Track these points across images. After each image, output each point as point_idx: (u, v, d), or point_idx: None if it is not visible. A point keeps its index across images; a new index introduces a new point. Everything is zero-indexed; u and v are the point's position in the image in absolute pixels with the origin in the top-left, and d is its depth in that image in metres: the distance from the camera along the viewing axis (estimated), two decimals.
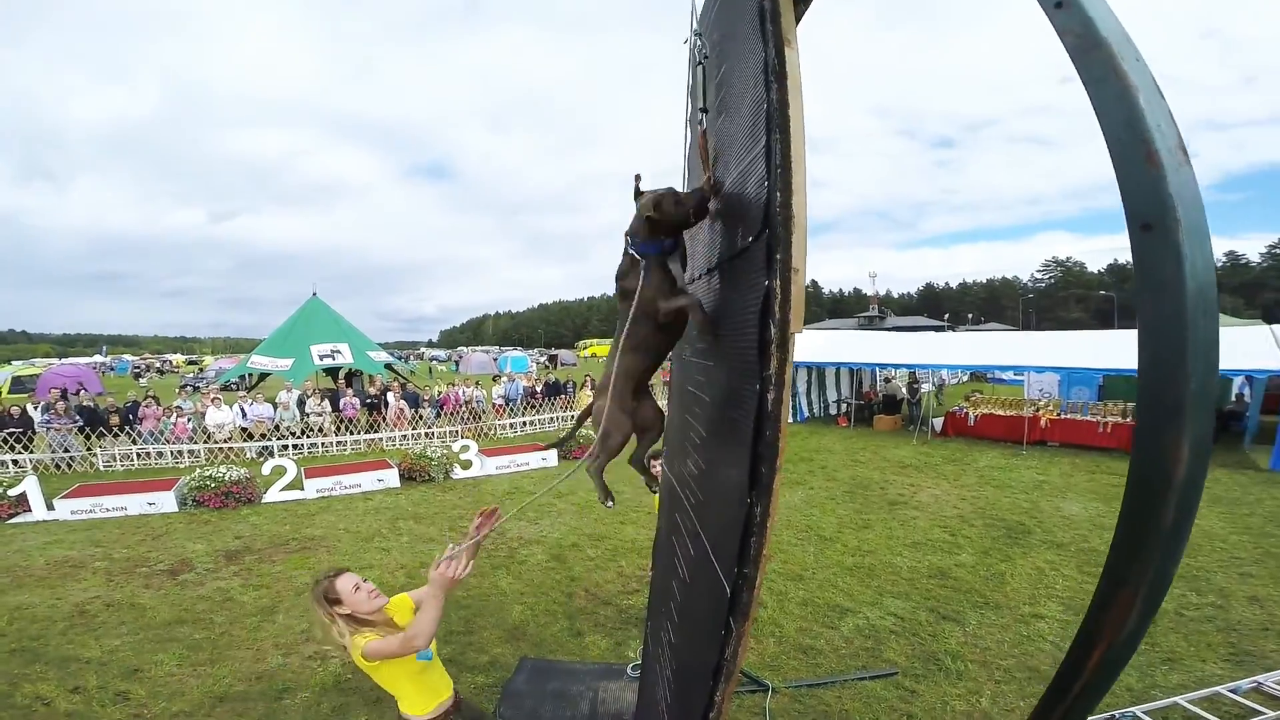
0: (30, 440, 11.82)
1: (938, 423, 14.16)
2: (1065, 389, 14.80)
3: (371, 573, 6.28)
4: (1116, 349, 11.73)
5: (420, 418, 14.53)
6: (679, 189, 2.19)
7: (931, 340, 17.68)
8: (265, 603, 5.66)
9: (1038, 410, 12.76)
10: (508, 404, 16.38)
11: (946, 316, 65.37)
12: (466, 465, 10.95)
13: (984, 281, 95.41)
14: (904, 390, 16.45)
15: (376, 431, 13.95)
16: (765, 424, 1.53)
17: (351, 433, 13.74)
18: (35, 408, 13.28)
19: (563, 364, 46.06)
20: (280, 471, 9.65)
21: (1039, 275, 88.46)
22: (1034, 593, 5.57)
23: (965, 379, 26.00)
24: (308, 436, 13.35)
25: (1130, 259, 0.80)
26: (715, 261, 2.23)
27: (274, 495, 9.31)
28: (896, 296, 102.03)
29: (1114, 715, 3.64)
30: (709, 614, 1.89)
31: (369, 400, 14.82)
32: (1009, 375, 21.81)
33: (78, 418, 12.20)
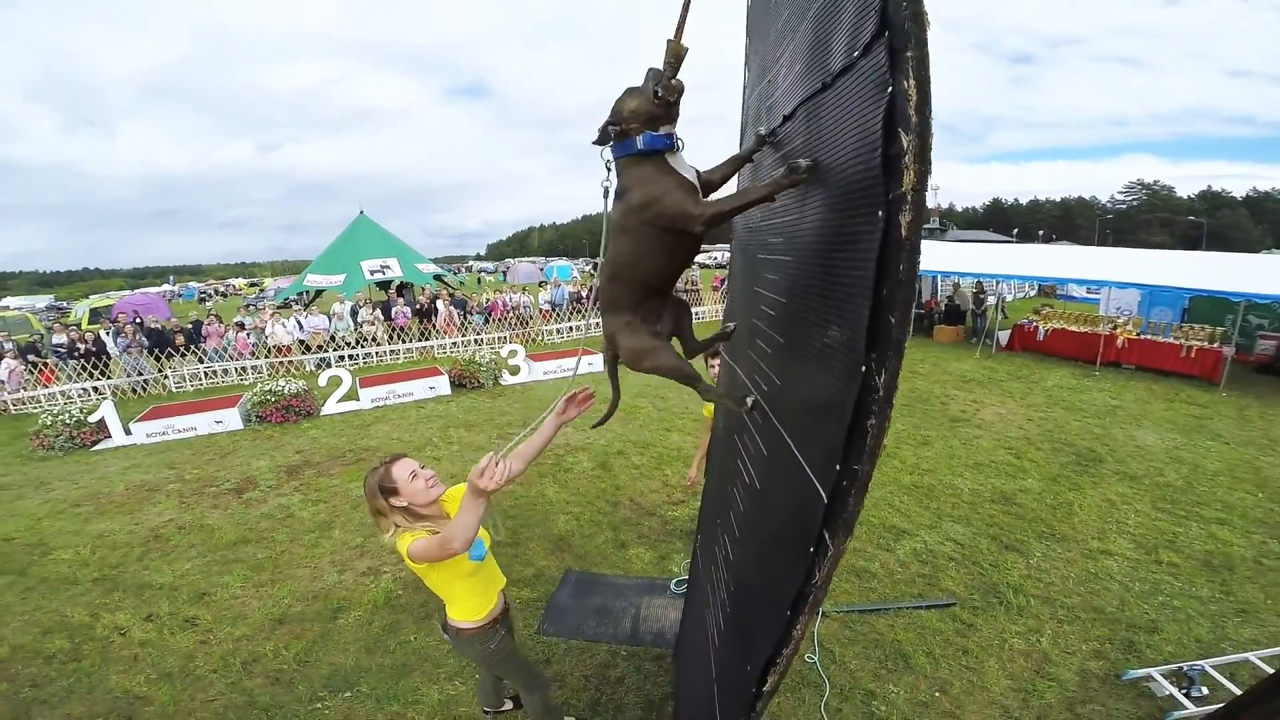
0: (107, 366, 12.32)
1: (1003, 336, 13.39)
2: (1146, 309, 13.69)
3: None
4: (1206, 269, 10.68)
5: (469, 324, 14.65)
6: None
7: (999, 250, 16.54)
8: (323, 518, 5.85)
9: (1115, 328, 11.85)
10: (554, 309, 16.33)
11: (1015, 233, 61.37)
12: (515, 371, 11.01)
13: (1058, 200, 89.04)
14: (970, 301, 15.61)
15: (427, 339, 14.13)
16: (898, 255, 1.14)
17: (403, 340, 13.96)
18: (109, 334, 13.80)
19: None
20: (336, 382, 9.88)
21: (1120, 197, 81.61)
22: (1103, 527, 5.25)
23: (1032, 293, 24.56)
24: (361, 346, 13.67)
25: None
26: (793, 108, 1.78)
27: (331, 407, 9.59)
28: (960, 211, 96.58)
29: (1181, 667, 3.42)
30: (789, 527, 1.57)
31: (419, 309, 14.95)
32: (1081, 292, 20.48)
33: (145, 341, 12.63)
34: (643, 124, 1.70)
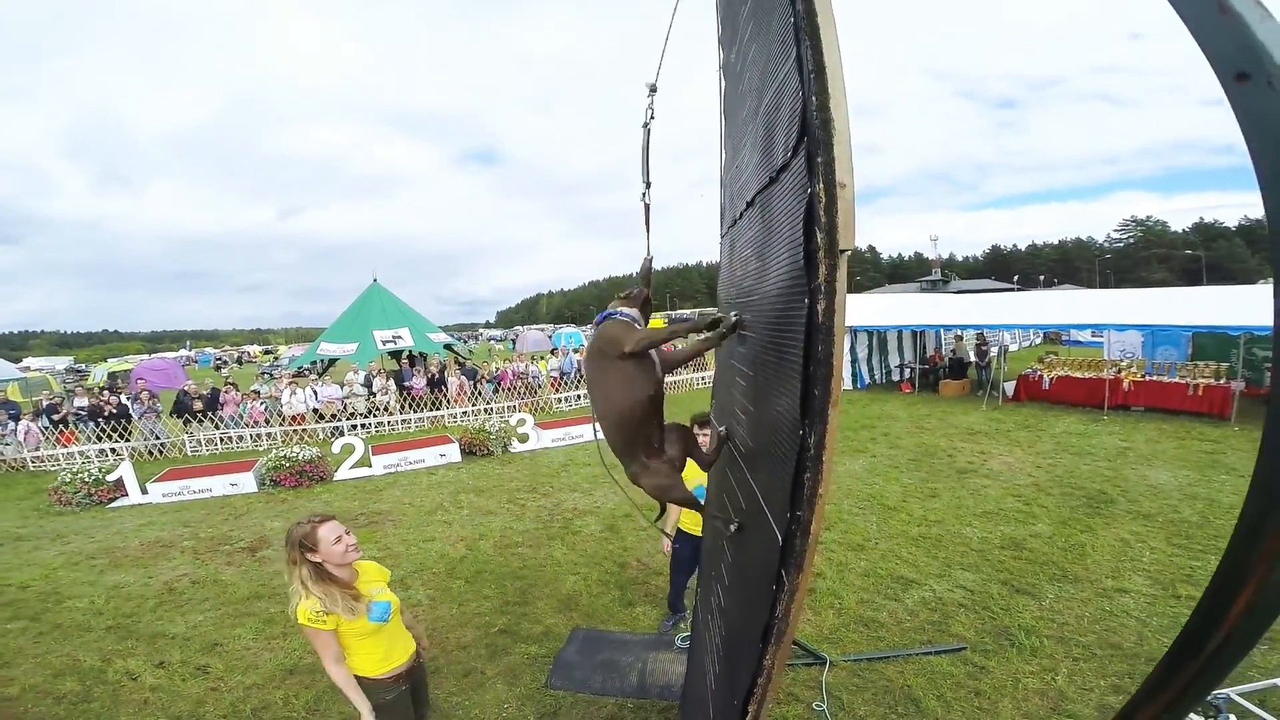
0: (127, 430, 12.64)
1: (1009, 387, 13.44)
2: (1150, 349, 13.80)
3: (433, 545, 6.46)
4: (1208, 305, 10.81)
5: (479, 394, 14.84)
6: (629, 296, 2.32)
7: (1001, 299, 16.75)
8: None
9: (1120, 371, 11.91)
10: (563, 377, 16.53)
11: (1016, 279, 62.00)
12: (524, 439, 11.13)
13: (1055, 243, 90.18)
14: (972, 354, 15.71)
15: (438, 409, 14.32)
16: (816, 338, 1.34)
17: (415, 410, 14.14)
18: (129, 400, 14.15)
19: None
20: (349, 450, 10.01)
21: (1116, 235, 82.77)
22: (1117, 565, 5.22)
23: (1038, 341, 24.71)
24: (374, 415, 13.84)
25: (1211, 215, 0.62)
26: (752, 195, 2.10)
27: (344, 473, 9.71)
28: (961, 260, 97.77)
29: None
30: (760, 569, 1.74)
31: (430, 378, 15.21)
32: (1086, 336, 20.58)
33: (159, 407, 13.01)
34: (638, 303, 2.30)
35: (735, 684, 1.88)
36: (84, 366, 41.37)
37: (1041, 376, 12.93)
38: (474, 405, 14.44)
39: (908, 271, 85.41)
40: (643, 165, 2.98)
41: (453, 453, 10.52)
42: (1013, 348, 20.49)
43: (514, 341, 46.96)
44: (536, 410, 14.63)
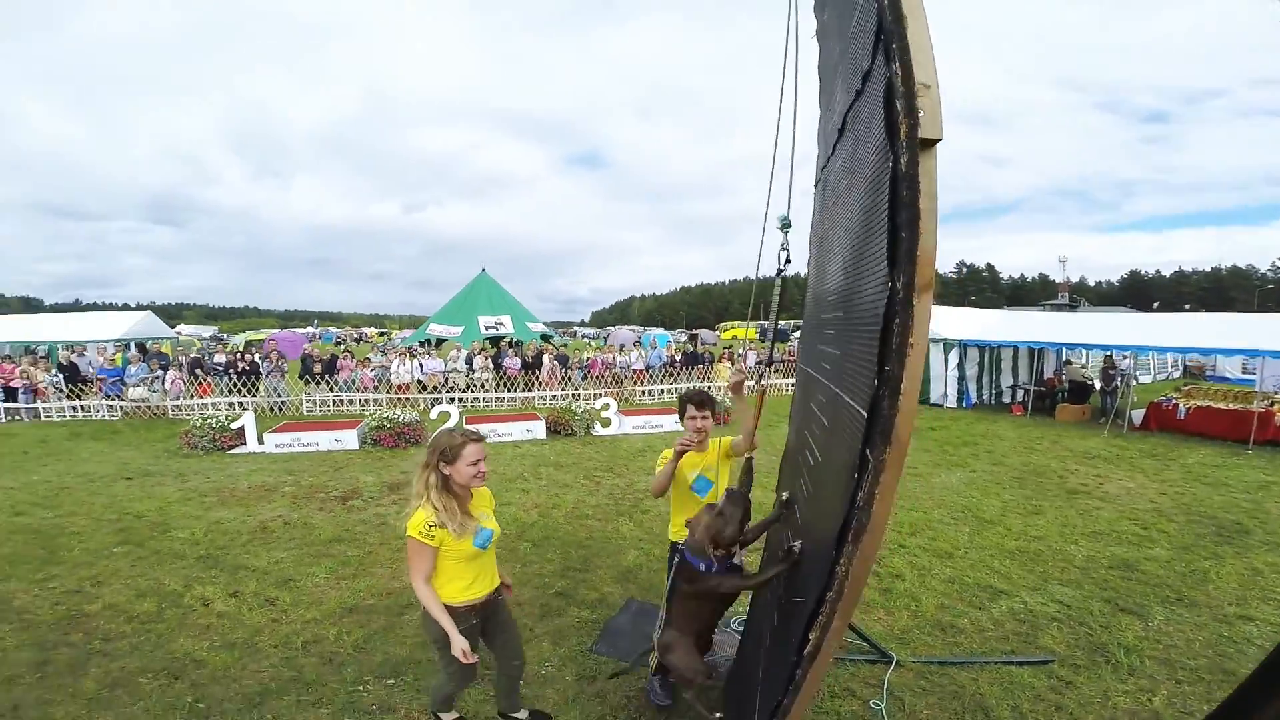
0: (255, 385, 13.99)
1: (1136, 416, 12.17)
2: None
3: (508, 509, 6.64)
4: None
5: (569, 379, 15.24)
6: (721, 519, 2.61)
7: (1133, 318, 15.18)
8: None
9: (1273, 404, 10.52)
10: (648, 370, 16.68)
11: (1156, 307, 56.32)
12: (606, 423, 11.32)
13: (1208, 270, 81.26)
14: (1097, 379, 14.34)
15: (531, 390, 14.81)
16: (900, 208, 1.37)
17: (509, 390, 14.71)
18: (260, 358, 15.61)
19: (703, 343, 46.54)
20: (445, 417, 10.58)
21: None
22: (1244, 594, 4.62)
23: (1176, 375, 22.16)
24: (471, 391, 14.52)
25: None
26: (841, 118, 2.07)
27: None
28: (1092, 285, 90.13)
29: None
30: (824, 541, 1.77)
31: (526, 362, 15.76)
32: (1235, 371, 18.32)
33: (285, 367, 14.36)
34: (728, 546, 2.61)
35: (795, 625, 1.87)
36: (225, 336, 46.25)
37: (1177, 405, 11.61)
38: (563, 390, 14.81)
39: (1030, 294, 79.43)
40: (771, 326, 2.97)
41: (539, 429, 10.88)
42: (1144, 379, 18.57)
43: (605, 339, 48.02)
44: (621, 400, 14.84)
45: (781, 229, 2.76)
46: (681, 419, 3.43)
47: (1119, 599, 4.58)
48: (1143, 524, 6.25)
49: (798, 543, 2.32)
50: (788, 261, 2.83)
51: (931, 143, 1.38)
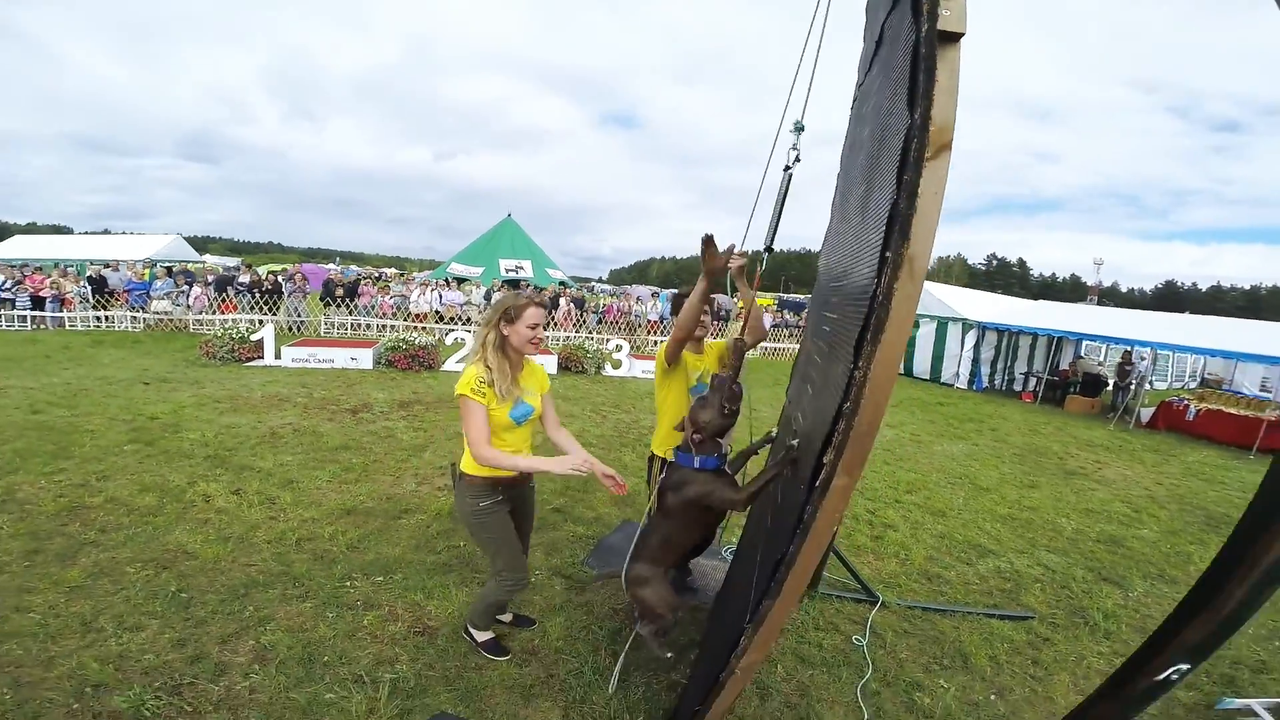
0: (277, 305, 14.22)
1: (1145, 414, 12.14)
2: None
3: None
4: None
5: (584, 322, 15.39)
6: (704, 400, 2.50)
7: (1157, 318, 14.99)
8: (419, 441, 6.36)
9: None
10: (662, 322, 16.80)
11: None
12: (617, 364, 11.53)
13: (1246, 288, 79.32)
14: (1112, 374, 14.27)
15: (546, 330, 15.00)
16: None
17: None
18: (284, 280, 15.83)
19: (721, 307, 46.31)
20: (460, 344, 10.77)
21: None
22: None
23: (1193, 385, 21.83)
24: None
25: None
26: (879, 30, 2.09)
27: (450, 365, 10.48)
28: (1124, 291, 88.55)
29: None
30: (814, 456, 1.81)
31: (541, 302, 15.99)
32: (1254, 385, 18.05)
33: (308, 288, 14.52)
34: (714, 434, 2.44)
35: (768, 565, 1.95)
36: (248, 266, 47.21)
37: (1187, 406, 11.54)
38: (577, 332, 14.97)
39: (1058, 293, 78.12)
40: (774, 216, 2.85)
41: (550, 365, 11.10)
42: (1160, 385, 18.39)
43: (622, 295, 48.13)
44: (634, 346, 15.03)
45: (795, 131, 2.76)
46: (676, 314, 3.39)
47: (1103, 569, 4.69)
48: (1134, 507, 6.33)
49: (795, 440, 2.29)
50: (797, 160, 2.80)
51: (955, 36, 1.41)
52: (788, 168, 2.76)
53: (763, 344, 17.75)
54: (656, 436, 3.42)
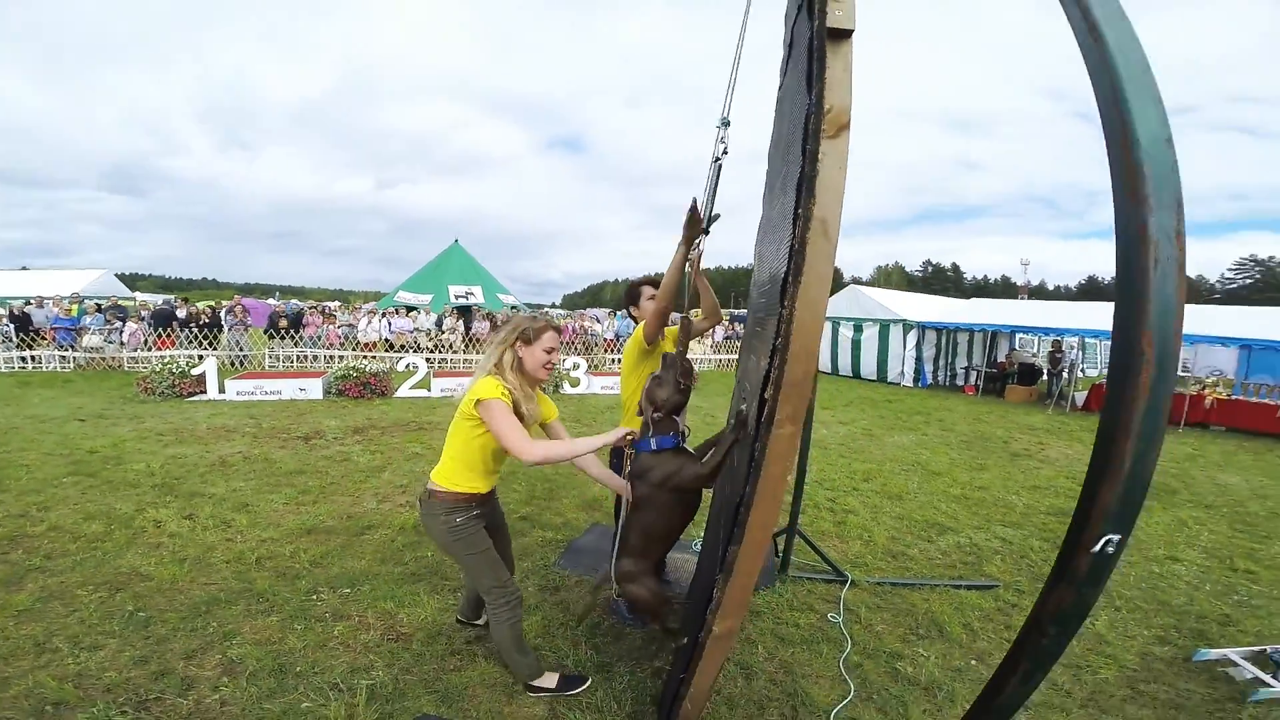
0: (216, 339, 13.70)
1: (1079, 397, 12.83)
2: (1243, 372, 12.81)
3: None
4: None
5: None
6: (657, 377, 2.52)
7: (1081, 308, 15.91)
8: (377, 463, 6.21)
9: (1203, 388, 11.20)
10: (618, 339, 16.89)
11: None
12: (575, 383, 11.53)
13: None
14: (1045, 363, 15.01)
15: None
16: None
17: (479, 351, 14.73)
18: (224, 313, 15.27)
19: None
20: (412, 370, 10.54)
21: (1230, 275, 77.03)
22: (1172, 539, 5.00)
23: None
24: (439, 351, 14.46)
25: None
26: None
27: (404, 391, 10.27)
28: (1052, 289, 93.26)
29: (1264, 650, 3.21)
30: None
31: (494, 323, 15.80)
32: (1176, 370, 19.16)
33: (250, 321, 14.04)
34: (670, 411, 2.45)
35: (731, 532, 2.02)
36: (184, 300, 45.35)
37: None
38: None
39: (991, 294, 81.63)
40: (707, 201, 2.91)
41: None
42: (1091, 373, 19.40)
43: None
44: (591, 364, 15.04)
45: (721, 125, 2.88)
46: (638, 303, 3.44)
47: (1057, 539, 4.88)
48: (1078, 481, 6.53)
49: (744, 405, 2.31)
50: (725, 153, 2.91)
51: (845, 33, 1.58)
52: (717, 159, 2.87)
53: (715, 357, 18.02)
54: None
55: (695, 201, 2.59)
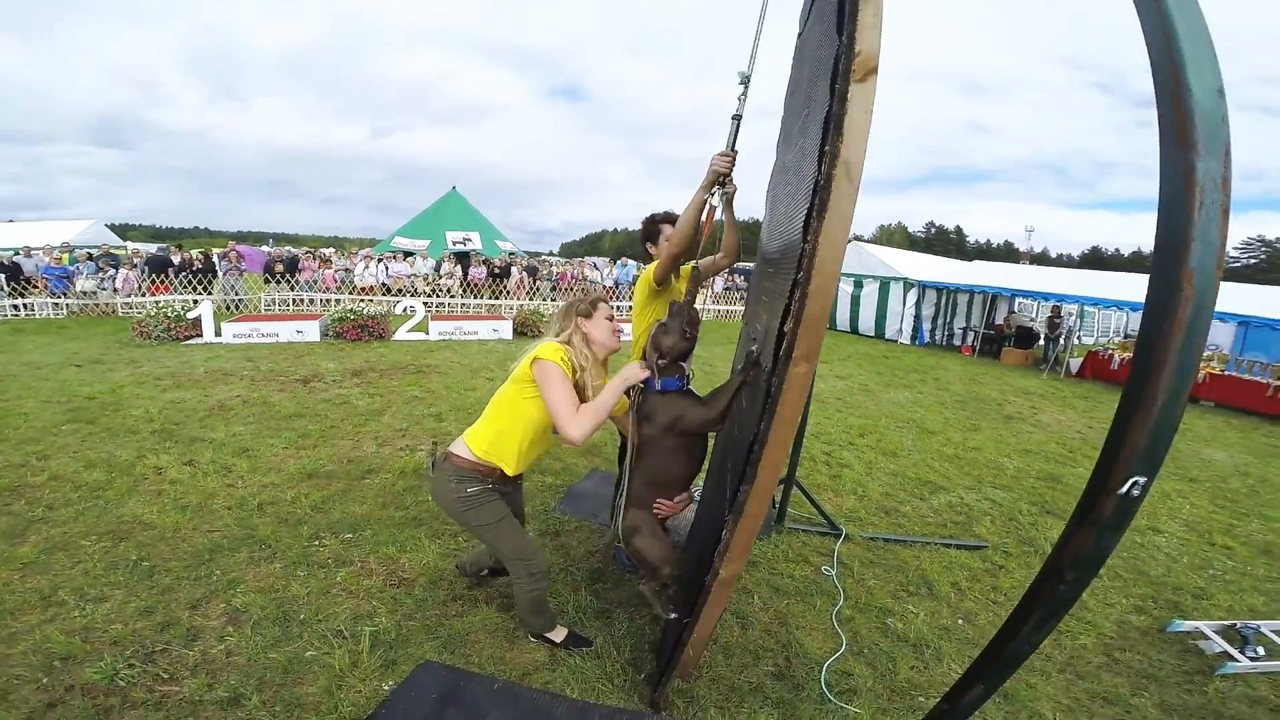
0: (210, 283, 13.54)
1: (1075, 364, 12.89)
2: (1239, 347, 12.86)
3: (473, 394, 6.75)
4: None
5: (538, 290, 15.26)
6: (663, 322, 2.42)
7: (1081, 273, 15.84)
8: (376, 406, 6.23)
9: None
10: (617, 287, 16.83)
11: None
12: None
13: None
14: (1043, 327, 15.04)
15: (499, 298, 14.78)
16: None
17: (476, 296, 14.63)
18: (218, 258, 15.05)
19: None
20: (410, 313, 10.53)
21: (1236, 254, 76.22)
22: (1154, 510, 5.07)
23: (1117, 340, 23.27)
24: (437, 296, 14.39)
25: None
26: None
27: (402, 334, 10.25)
28: (1054, 256, 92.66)
29: (1234, 625, 3.29)
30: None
31: (495, 271, 15.66)
32: None
33: (244, 266, 13.87)
34: (676, 358, 2.38)
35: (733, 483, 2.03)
36: (177, 247, 44.89)
37: (1112, 355, 12.34)
38: (531, 300, 14.83)
39: (993, 258, 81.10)
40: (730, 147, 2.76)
41: (505, 330, 11.03)
42: (1087, 340, 19.45)
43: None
44: None
45: (741, 83, 2.77)
46: (656, 241, 3.34)
47: (1045, 504, 4.98)
48: (1069, 447, 6.74)
49: (755, 346, 2.29)
50: (743, 107, 2.78)
51: None
52: (736, 115, 2.76)
53: (716, 307, 17.94)
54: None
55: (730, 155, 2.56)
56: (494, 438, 2.38)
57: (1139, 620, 3.42)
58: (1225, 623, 3.32)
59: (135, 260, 14.39)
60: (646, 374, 2.34)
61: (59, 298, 12.65)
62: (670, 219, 3.23)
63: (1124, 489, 1.22)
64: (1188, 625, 3.31)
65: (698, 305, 2.92)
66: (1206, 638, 3.20)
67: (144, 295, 12.84)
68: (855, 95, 1.54)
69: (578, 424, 2.17)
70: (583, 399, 2.35)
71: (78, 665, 2.43)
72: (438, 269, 15.10)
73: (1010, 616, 1.53)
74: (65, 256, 14.42)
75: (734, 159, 2.66)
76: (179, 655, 2.52)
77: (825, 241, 1.60)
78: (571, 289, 15.95)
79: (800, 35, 2.93)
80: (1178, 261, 1.12)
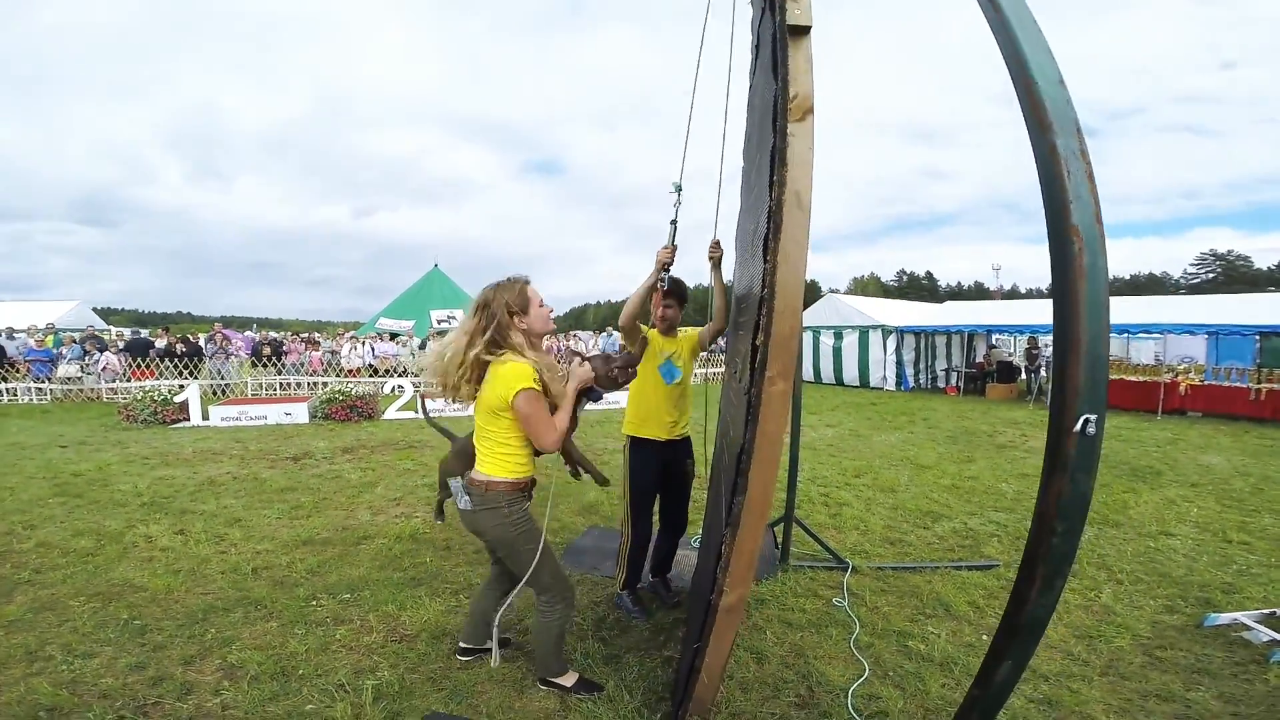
0: (197, 367, 13.48)
1: None
2: (1213, 357, 13.09)
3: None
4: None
5: None
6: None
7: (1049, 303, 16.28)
8: (369, 479, 6.16)
9: (1176, 375, 11.46)
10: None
11: None
12: None
13: (1127, 278, 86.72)
14: (1022, 360, 15.29)
15: None
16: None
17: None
18: (204, 342, 15.04)
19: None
20: (399, 392, 10.47)
21: (1193, 270, 79.09)
22: (1163, 517, 5.08)
23: None
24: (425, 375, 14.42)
25: None
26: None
27: (391, 414, 10.15)
28: (1024, 292, 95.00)
29: (1275, 612, 3.26)
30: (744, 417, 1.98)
31: None
32: (1149, 360, 19.62)
33: (230, 349, 13.85)
34: (600, 385, 2.60)
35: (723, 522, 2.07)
36: (165, 329, 44.82)
37: None
38: None
39: (966, 300, 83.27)
40: (670, 243, 3.10)
41: None
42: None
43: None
44: None
45: (674, 190, 3.08)
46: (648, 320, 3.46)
47: None
48: None
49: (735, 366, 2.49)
50: (677, 216, 3.10)
51: (804, 29, 1.79)
52: (673, 221, 3.06)
53: (704, 371, 18.05)
54: (627, 419, 3.51)
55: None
56: (508, 456, 2.39)
57: (1172, 619, 3.37)
58: (1264, 611, 3.27)
59: (119, 342, 14.32)
60: (593, 375, 2.48)
61: (42, 382, 12.49)
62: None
63: (1079, 427, 1.33)
64: (1225, 618, 3.26)
65: (694, 368, 3.18)
66: (1249, 628, 3.15)
67: (128, 380, 12.70)
68: (796, 133, 1.73)
69: (553, 439, 2.30)
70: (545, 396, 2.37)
71: (65, 716, 2.35)
72: (424, 347, 15.17)
73: (1015, 583, 1.54)
74: (49, 339, 14.29)
75: (674, 250, 3.04)
76: (172, 708, 2.43)
77: (784, 261, 1.73)
78: (560, 361, 16.08)
79: (750, 88, 3.15)
80: (1064, 221, 1.32)
